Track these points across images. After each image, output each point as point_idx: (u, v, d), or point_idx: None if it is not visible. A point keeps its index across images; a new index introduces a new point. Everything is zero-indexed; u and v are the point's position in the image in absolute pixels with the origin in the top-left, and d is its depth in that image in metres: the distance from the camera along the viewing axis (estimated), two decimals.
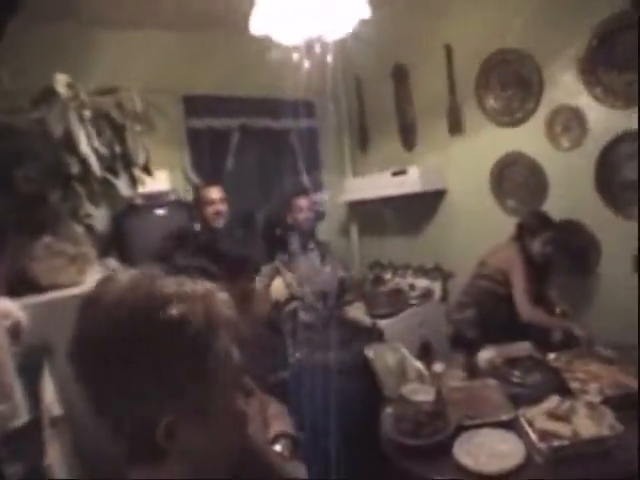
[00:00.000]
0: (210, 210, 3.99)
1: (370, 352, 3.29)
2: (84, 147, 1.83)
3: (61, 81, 1.92)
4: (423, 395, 2.65)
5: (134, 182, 2.33)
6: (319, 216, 5.35)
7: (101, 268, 2.17)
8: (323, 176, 5.49)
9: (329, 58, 3.84)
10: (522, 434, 2.24)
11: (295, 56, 3.67)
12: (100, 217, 3.03)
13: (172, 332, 0.82)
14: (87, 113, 2.00)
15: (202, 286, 0.91)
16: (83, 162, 1.84)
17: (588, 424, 2.18)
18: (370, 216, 5.52)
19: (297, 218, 4.21)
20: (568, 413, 2.27)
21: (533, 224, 3.55)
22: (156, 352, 0.81)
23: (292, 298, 3.90)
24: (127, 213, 3.90)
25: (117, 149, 2.19)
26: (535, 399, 2.45)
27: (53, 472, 1.33)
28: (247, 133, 4.94)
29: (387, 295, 4.77)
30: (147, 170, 2.41)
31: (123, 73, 4.08)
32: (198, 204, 4.09)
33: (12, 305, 1.59)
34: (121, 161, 2.20)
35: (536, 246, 3.51)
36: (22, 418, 1.31)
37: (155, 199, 4.16)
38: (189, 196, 4.47)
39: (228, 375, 0.90)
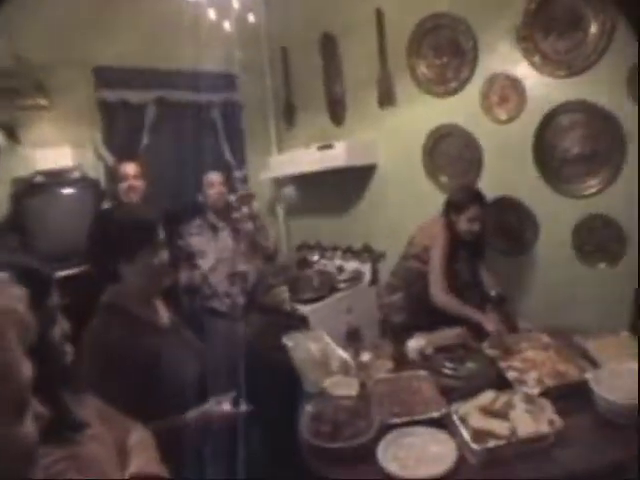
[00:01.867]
0: (123, 186, 3.74)
1: (289, 341, 2.96)
2: None
3: None
4: (345, 389, 2.38)
5: None
6: None
7: None
8: (246, 152, 5.18)
9: (250, 17, 3.57)
10: (455, 433, 1.98)
11: (212, 14, 3.38)
12: None
13: None
14: None
15: None
16: None
17: (526, 420, 1.95)
18: (297, 194, 5.25)
19: (208, 194, 3.91)
20: (505, 408, 2.03)
21: (460, 199, 3.26)
22: None
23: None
24: (27, 192, 3.69)
25: None
26: (469, 392, 2.18)
27: None
28: (164, 107, 4.61)
29: (312, 278, 4.49)
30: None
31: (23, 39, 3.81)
32: (113, 180, 3.87)
33: None
34: None
35: (462, 223, 3.23)
36: None
37: (58, 177, 3.90)
38: (98, 173, 4.22)
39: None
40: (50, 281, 1.27)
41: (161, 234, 1.97)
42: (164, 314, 2.08)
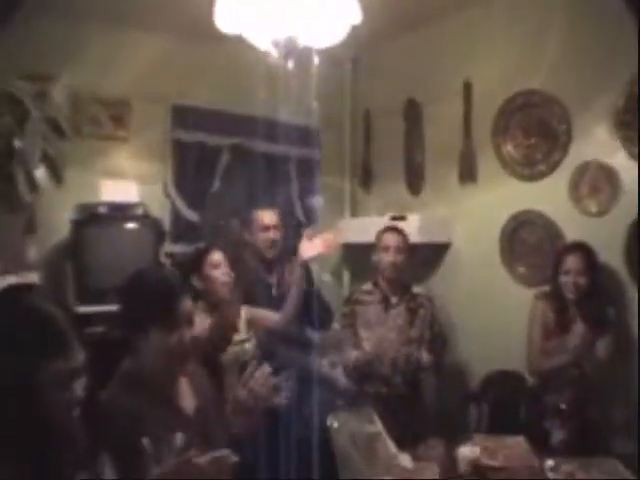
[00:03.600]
0: (265, 237, 3.66)
1: (334, 421, 2.71)
2: None
3: None
4: None
5: (33, 186, 1.94)
6: None
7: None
8: (318, 212, 5.01)
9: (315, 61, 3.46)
10: None
11: (290, 64, 3.30)
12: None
13: None
14: None
15: None
16: None
17: None
18: (365, 261, 5.02)
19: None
20: None
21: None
22: None
23: None
24: (88, 221, 3.65)
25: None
26: None
27: None
28: (239, 154, 4.55)
29: None
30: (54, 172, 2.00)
31: (111, 73, 3.91)
32: (248, 230, 3.78)
33: None
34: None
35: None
36: None
37: (121, 210, 3.86)
38: (164, 213, 4.22)
39: None
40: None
41: (185, 308, 1.81)
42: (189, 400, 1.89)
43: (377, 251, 3.57)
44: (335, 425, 2.66)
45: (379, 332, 3.47)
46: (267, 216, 3.71)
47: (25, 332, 1.12)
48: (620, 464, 2.41)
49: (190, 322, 1.83)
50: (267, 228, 3.65)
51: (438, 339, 3.59)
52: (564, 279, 3.05)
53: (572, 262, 3.04)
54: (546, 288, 3.24)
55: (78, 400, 1.18)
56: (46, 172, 2.12)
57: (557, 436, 2.90)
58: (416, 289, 3.64)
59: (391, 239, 3.54)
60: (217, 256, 3.07)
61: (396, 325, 3.48)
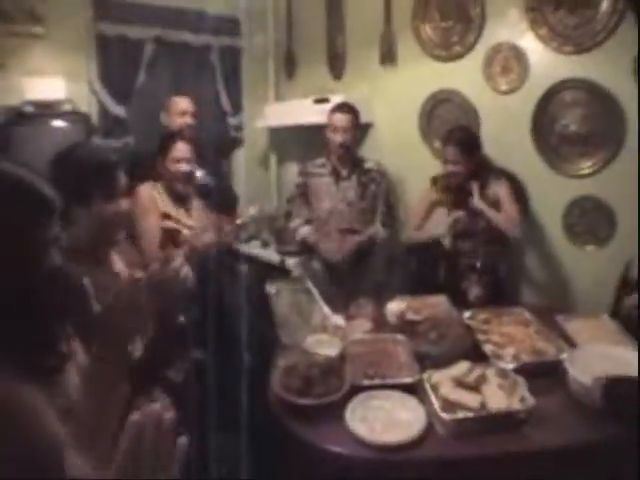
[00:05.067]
0: (180, 121, 3.79)
1: (272, 288, 2.97)
2: None
3: None
4: (327, 348, 2.38)
5: None
6: (237, 142, 5.15)
7: None
8: (244, 99, 5.13)
9: None
10: (425, 401, 2.01)
11: None
12: None
13: None
14: None
15: None
16: None
17: (499, 395, 1.98)
18: (291, 145, 5.21)
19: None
20: (478, 381, 2.05)
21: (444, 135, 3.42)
22: None
23: None
24: (15, 122, 3.63)
25: None
26: (443, 361, 2.21)
27: None
28: (162, 45, 4.55)
29: None
30: None
31: None
32: (167, 113, 3.89)
33: None
34: None
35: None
36: None
37: (48, 108, 3.82)
38: (90, 108, 4.20)
39: None
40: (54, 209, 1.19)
41: (122, 180, 1.95)
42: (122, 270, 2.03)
43: (327, 129, 3.68)
44: (273, 291, 2.93)
45: (329, 203, 3.68)
46: (183, 102, 3.85)
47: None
48: (526, 311, 2.74)
49: (125, 194, 1.97)
50: (184, 113, 3.80)
51: (392, 211, 3.83)
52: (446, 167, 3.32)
53: (450, 152, 3.25)
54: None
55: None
56: None
57: (474, 292, 3.23)
58: (369, 164, 3.79)
59: (339, 119, 3.62)
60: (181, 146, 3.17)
61: (346, 197, 3.67)
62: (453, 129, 3.44)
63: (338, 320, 2.76)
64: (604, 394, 1.84)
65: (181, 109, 3.81)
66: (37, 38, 3.96)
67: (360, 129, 3.91)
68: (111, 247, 2.03)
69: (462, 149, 3.23)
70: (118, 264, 2.05)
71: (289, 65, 5.21)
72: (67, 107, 3.91)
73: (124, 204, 1.95)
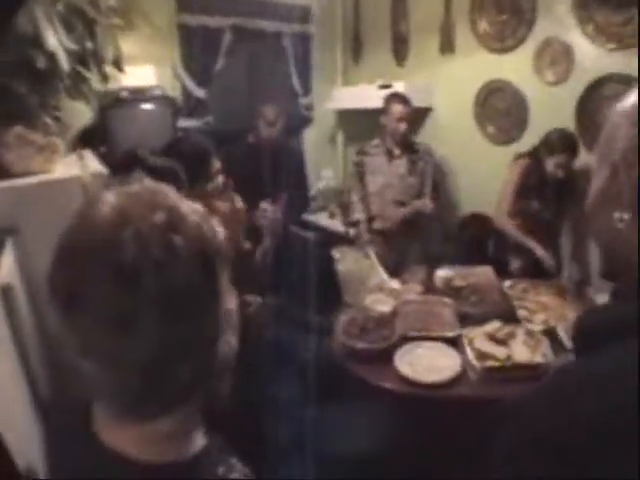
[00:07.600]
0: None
1: (337, 253, 3.38)
2: (52, 43, 1.83)
3: None
4: (382, 305, 2.84)
5: (105, 78, 2.41)
6: (307, 120, 5.46)
7: (71, 159, 2.25)
8: (313, 82, 5.45)
9: None
10: (462, 352, 2.43)
11: None
12: (80, 111, 3.19)
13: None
14: (59, 8, 2.01)
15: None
16: (51, 57, 1.86)
17: (523, 350, 2.35)
18: (357, 126, 5.54)
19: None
20: (507, 337, 2.45)
21: (555, 142, 3.38)
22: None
23: None
24: (113, 106, 3.94)
25: (88, 45, 2.23)
26: (481, 321, 2.61)
27: None
28: (239, 33, 4.88)
29: None
30: (118, 66, 2.48)
31: None
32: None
33: None
34: (92, 57, 2.25)
35: (549, 165, 3.39)
36: None
37: (141, 94, 4.19)
38: (175, 93, 4.54)
39: None
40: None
41: (216, 164, 2.30)
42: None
43: (385, 115, 4.00)
44: (337, 256, 3.35)
45: (383, 178, 4.04)
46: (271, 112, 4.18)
47: None
48: (564, 286, 3.04)
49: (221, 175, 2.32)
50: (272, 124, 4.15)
51: (438, 187, 4.17)
52: (552, 169, 3.36)
53: (564, 159, 3.33)
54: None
55: None
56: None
57: (515, 264, 3.56)
58: (418, 145, 4.13)
59: (396, 109, 3.93)
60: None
61: (398, 173, 4.01)
62: (570, 135, 3.43)
63: (394, 284, 3.21)
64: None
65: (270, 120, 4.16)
66: (128, 32, 4.20)
67: (420, 113, 4.19)
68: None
69: (572, 157, 3.37)
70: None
71: (356, 50, 5.50)
72: (157, 92, 4.28)
73: (219, 180, 2.30)
